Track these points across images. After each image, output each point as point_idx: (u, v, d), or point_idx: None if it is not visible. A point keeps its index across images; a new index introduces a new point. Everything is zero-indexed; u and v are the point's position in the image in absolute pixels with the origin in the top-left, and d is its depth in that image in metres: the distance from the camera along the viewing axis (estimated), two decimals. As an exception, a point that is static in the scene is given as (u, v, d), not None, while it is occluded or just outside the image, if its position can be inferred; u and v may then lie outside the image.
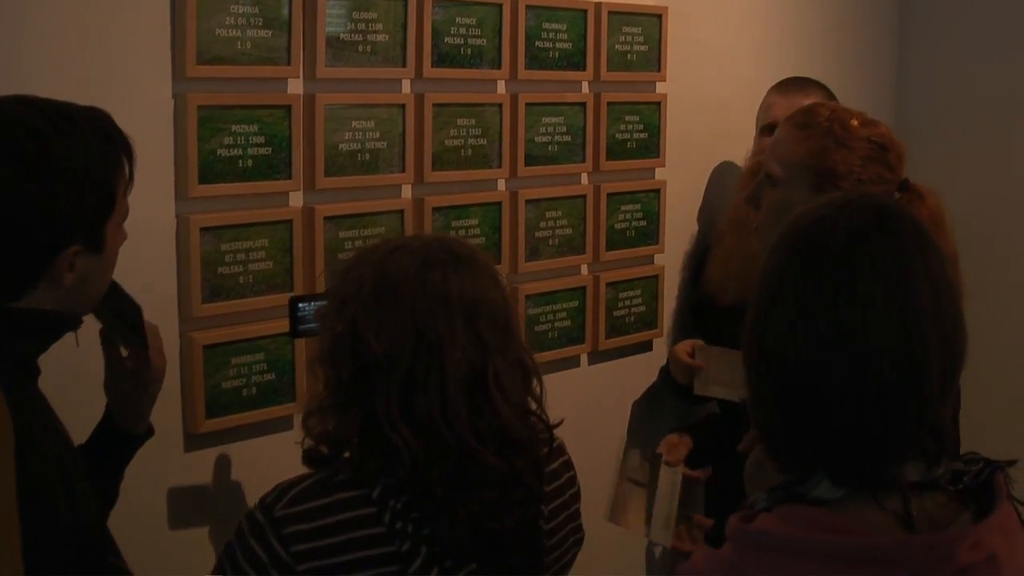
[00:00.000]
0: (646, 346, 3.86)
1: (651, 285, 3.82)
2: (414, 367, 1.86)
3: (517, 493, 1.92)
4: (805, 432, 1.46)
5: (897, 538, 1.41)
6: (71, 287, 1.84)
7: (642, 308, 3.80)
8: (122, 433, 2.21)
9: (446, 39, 3.15)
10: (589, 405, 3.60)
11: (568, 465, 2.14)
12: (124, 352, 2.19)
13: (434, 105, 3.13)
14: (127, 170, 1.92)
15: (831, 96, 3.52)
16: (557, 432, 2.07)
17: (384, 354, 1.86)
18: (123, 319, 2.15)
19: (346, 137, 2.95)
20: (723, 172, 4.01)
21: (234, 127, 2.73)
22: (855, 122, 2.45)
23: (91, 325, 2.06)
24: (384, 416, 1.85)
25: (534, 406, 2.02)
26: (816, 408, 1.44)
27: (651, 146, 3.75)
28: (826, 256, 1.46)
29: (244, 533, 1.88)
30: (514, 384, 1.95)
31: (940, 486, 1.48)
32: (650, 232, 3.78)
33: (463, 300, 1.90)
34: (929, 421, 1.45)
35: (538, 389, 2.02)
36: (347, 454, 1.91)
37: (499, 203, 3.33)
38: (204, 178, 2.69)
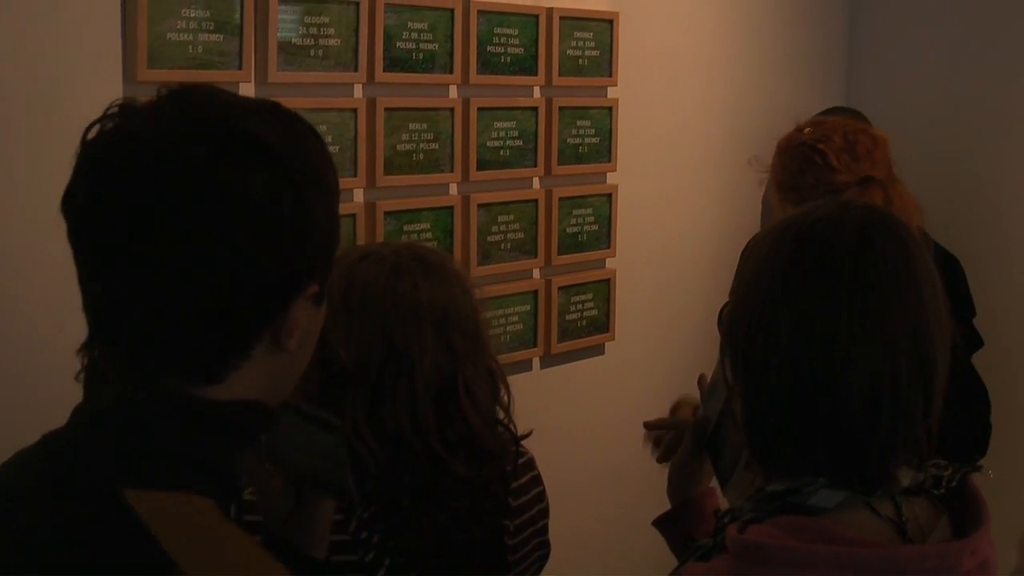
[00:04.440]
0: (598, 350, 3.87)
1: (603, 289, 3.83)
2: (383, 376, 1.84)
3: (485, 503, 1.91)
4: (815, 433, 1.44)
5: (915, 549, 1.42)
6: (292, 356, 1.31)
7: (594, 312, 3.81)
8: None
9: (398, 44, 3.15)
10: (541, 409, 3.60)
11: (537, 480, 2.11)
12: None
13: (386, 109, 3.13)
14: None
15: None
16: (526, 444, 2.06)
17: (352, 363, 1.83)
18: None
19: (298, 141, 2.94)
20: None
21: (185, 131, 2.71)
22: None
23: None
24: (350, 426, 1.81)
25: (502, 415, 2.00)
26: (830, 408, 1.42)
27: (603, 150, 3.76)
28: (837, 255, 1.45)
29: None
30: (483, 393, 1.93)
31: (925, 490, 1.50)
32: (602, 236, 3.79)
33: (433, 308, 1.88)
34: (930, 422, 1.47)
35: (506, 398, 2.01)
36: None
37: (451, 207, 3.33)
38: (155, 183, 2.67)
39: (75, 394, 1.29)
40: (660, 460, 2.16)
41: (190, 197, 1.17)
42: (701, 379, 2.14)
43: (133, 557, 1.15)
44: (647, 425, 2.22)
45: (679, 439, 2.10)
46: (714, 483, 2.05)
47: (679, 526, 2.00)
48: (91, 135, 1.24)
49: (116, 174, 1.20)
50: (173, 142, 1.19)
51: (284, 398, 1.36)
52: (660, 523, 2.05)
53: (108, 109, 1.25)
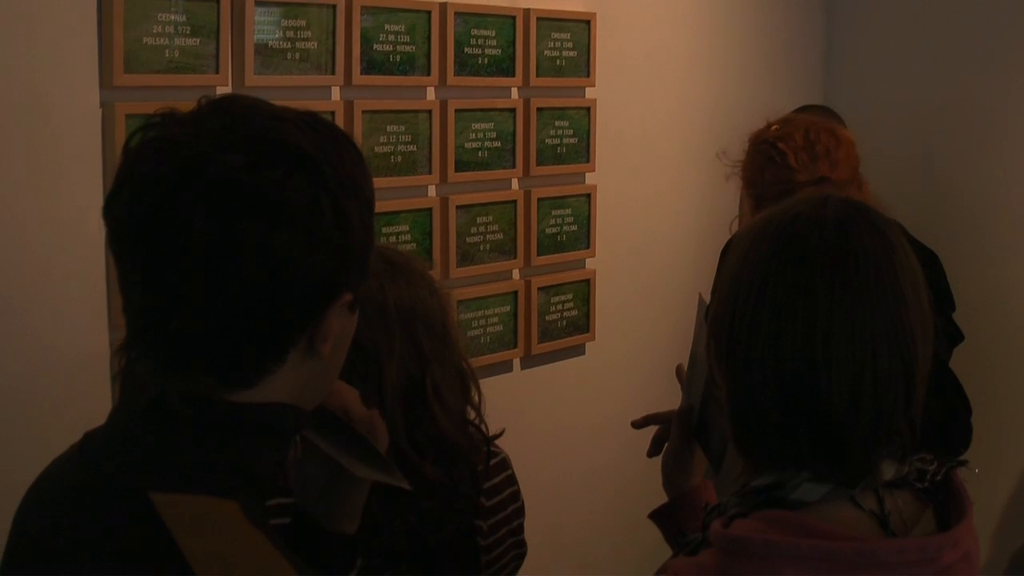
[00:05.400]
0: (579, 350, 3.87)
1: (583, 289, 3.84)
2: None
3: (456, 503, 1.92)
4: (799, 425, 1.46)
5: (894, 542, 1.43)
6: (326, 361, 1.34)
7: (574, 312, 3.81)
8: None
9: (375, 46, 3.15)
10: (522, 410, 3.61)
11: (511, 480, 2.12)
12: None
13: (364, 112, 3.13)
14: None
15: None
16: (500, 444, 2.07)
17: None
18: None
19: (276, 145, 2.94)
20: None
21: (163, 136, 2.71)
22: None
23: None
24: None
25: (472, 415, 2.01)
26: (813, 399, 1.44)
27: (581, 151, 3.77)
28: (816, 248, 1.47)
29: None
30: (452, 393, 1.94)
31: (908, 484, 1.51)
32: (581, 236, 3.80)
33: (400, 309, 1.89)
34: (911, 413, 1.48)
35: (476, 398, 2.02)
36: None
37: (430, 209, 3.34)
38: (133, 187, 2.67)
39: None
40: (650, 454, 2.17)
41: (232, 205, 1.20)
42: (679, 369, 2.15)
43: (149, 558, 1.18)
44: (635, 424, 2.23)
45: (666, 432, 2.12)
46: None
47: (673, 520, 2.02)
48: (132, 143, 1.25)
49: (158, 182, 1.21)
50: (215, 151, 1.21)
51: (319, 401, 1.39)
52: (656, 516, 2.06)
53: (150, 118, 1.26)
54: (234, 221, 1.19)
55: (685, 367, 2.11)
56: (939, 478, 1.53)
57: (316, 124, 1.31)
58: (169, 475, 1.22)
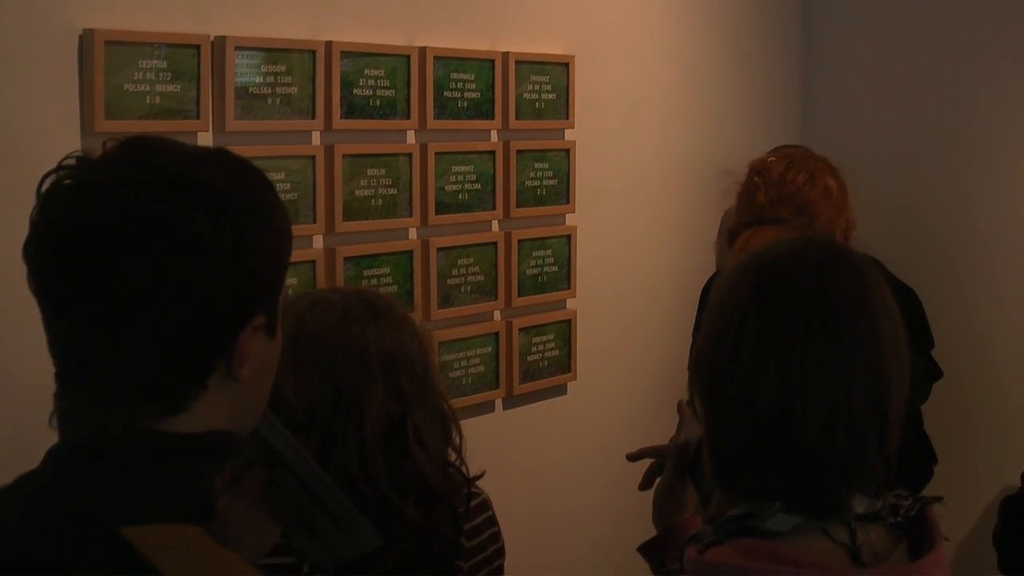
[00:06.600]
0: (560, 390, 3.88)
1: (564, 329, 3.85)
2: (332, 422, 1.86)
3: (436, 545, 1.92)
4: (774, 460, 1.48)
5: (860, 572, 1.46)
6: (248, 385, 1.36)
7: (555, 352, 3.82)
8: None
9: (355, 90, 3.17)
10: (504, 450, 3.62)
11: (492, 521, 2.12)
12: None
13: (344, 156, 3.15)
14: None
15: None
16: (481, 485, 2.08)
17: (302, 409, 1.85)
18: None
19: (257, 189, 2.95)
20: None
21: (144, 181, 2.72)
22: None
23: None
24: None
25: (453, 457, 2.02)
26: (788, 437, 1.47)
27: (561, 192, 3.79)
28: (796, 289, 1.50)
29: None
30: (433, 436, 1.95)
31: (881, 518, 1.53)
32: (562, 277, 3.82)
33: (381, 353, 1.91)
34: (885, 449, 1.50)
35: (457, 440, 2.03)
36: None
37: (411, 251, 3.35)
38: (114, 232, 2.68)
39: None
40: (642, 487, 2.19)
41: (136, 239, 1.25)
42: (680, 404, 2.17)
43: None
44: (630, 457, 2.24)
45: (660, 466, 2.14)
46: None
47: (660, 553, 2.04)
48: (45, 187, 1.30)
49: (69, 223, 1.27)
50: (120, 189, 1.26)
51: (249, 428, 1.41)
52: (644, 549, 2.08)
53: (62, 161, 1.32)
54: (140, 255, 1.25)
55: (686, 402, 2.13)
56: (913, 514, 1.56)
57: (225, 160, 1.37)
58: (136, 509, 1.25)
